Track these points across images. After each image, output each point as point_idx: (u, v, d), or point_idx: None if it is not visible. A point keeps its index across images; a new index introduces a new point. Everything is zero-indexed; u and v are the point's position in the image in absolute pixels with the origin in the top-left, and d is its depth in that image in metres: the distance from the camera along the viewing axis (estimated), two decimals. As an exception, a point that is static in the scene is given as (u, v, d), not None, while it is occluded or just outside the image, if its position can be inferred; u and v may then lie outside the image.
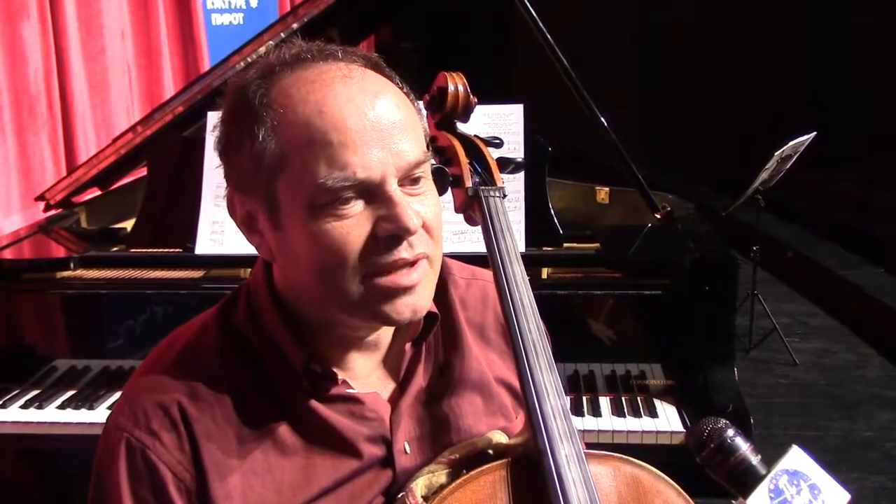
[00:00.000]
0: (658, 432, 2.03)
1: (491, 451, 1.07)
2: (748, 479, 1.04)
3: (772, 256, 5.65)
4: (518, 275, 1.11)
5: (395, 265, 0.97)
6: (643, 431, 2.04)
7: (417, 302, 1.01)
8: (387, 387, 1.12)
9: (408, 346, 1.13)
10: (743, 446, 1.05)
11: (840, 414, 4.19)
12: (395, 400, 1.10)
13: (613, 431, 2.04)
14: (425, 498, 1.01)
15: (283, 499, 1.02)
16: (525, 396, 1.03)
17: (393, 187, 0.97)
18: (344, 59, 1.01)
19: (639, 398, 2.13)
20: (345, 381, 1.06)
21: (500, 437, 1.10)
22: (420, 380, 1.13)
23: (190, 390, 1.02)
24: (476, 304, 1.22)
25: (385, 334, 1.11)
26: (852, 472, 3.57)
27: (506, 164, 1.26)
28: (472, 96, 1.25)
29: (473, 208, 1.19)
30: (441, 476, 1.04)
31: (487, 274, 1.20)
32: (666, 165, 6.40)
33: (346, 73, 0.99)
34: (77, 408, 2.18)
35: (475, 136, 1.27)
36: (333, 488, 1.03)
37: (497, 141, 1.28)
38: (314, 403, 1.04)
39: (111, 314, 2.29)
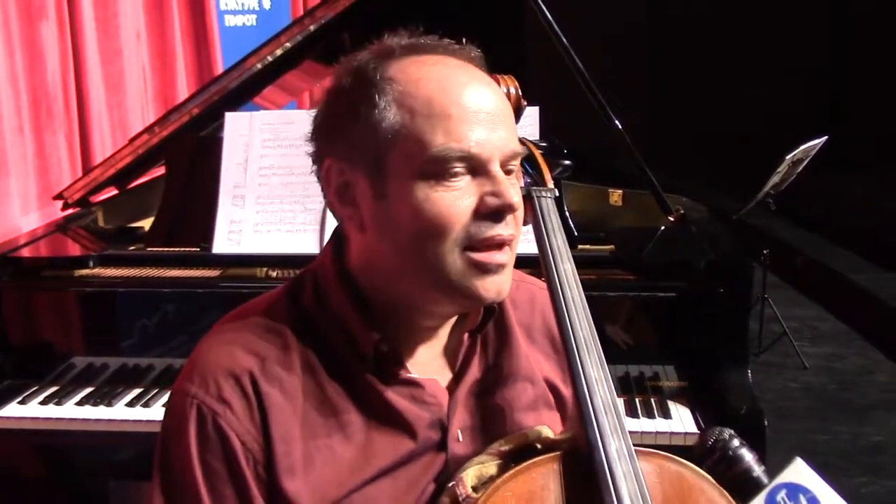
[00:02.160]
0: (672, 433, 2.04)
1: (539, 445, 1.09)
2: (750, 490, 1.05)
3: (782, 260, 5.65)
4: (569, 272, 1.15)
5: (493, 241, 1.03)
6: (657, 432, 2.04)
7: (503, 283, 1.06)
8: (444, 375, 1.15)
9: (465, 336, 1.17)
10: (747, 457, 1.07)
11: (850, 418, 4.19)
12: (450, 389, 1.14)
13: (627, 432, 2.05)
14: (475, 488, 1.03)
15: (341, 478, 1.04)
16: (576, 391, 1.05)
17: (497, 167, 1.04)
18: (459, 53, 1.09)
19: (652, 399, 2.14)
20: (407, 367, 1.10)
21: (547, 432, 1.12)
22: (475, 371, 1.16)
23: (260, 363, 1.05)
24: (524, 305, 1.26)
25: (447, 325, 1.15)
26: (861, 477, 3.57)
27: (553, 167, 1.29)
28: (522, 99, 1.28)
29: (525, 208, 1.21)
30: (491, 467, 1.06)
31: (535, 280, 1.27)
32: (676, 168, 6.40)
33: (463, 64, 1.07)
34: (95, 404, 2.19)
35: (524, 137, 1.28)
36: (391, 469, 1.06)
37: (544, 144, 1.32)
38: (378, 385, 1.07)
39: (128, 312, 2.31)
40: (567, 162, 1.33)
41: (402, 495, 1.06)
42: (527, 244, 1.24)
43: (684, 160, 7.30)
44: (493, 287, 1.05)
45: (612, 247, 2.37)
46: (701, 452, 1.08)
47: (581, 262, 2.24)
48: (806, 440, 3.94)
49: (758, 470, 1.05)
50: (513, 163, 1.07)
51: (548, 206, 1.21)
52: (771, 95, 7.56)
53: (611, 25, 8.64)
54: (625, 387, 2.18)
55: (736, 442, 1.08)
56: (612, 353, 2.16)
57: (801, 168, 4.62)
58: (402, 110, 1.02)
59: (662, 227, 2.46)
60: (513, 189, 1.06)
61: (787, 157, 4.43)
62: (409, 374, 1.09)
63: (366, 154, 1.04)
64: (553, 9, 2.51)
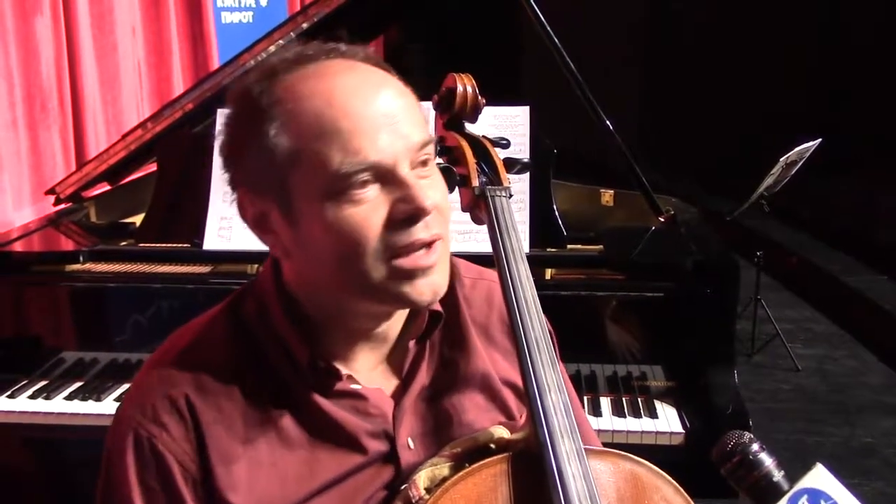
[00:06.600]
0: (658, 433, 2.05)
1: (493, 446, 1.09)
2: (770, 495, 1.03)
3: (775, 262, 5.66)
4: (522, 273, 1.12)
5: (414, 246, 1.00)
6: (643, 432, 2.06)
7: (436, 282, 1.04)
8: (390, 383, 1.14)
9: (412, 343, 1.15)
10: (766, 461, 1.04)
11: (841, 420, 4.19)
12: (397, 396, 1.12)
13: (613, 431, 2.06)
14: (428, 490, 1.03)
15: (286, 491, 1.04)
16: (527, 392, 1.05)
17: (405, 170, 1.00)
18: (345, 54, 1.05)
19: (639, 399, 2.15)
20: (349, 377, 1.08)
21: (501, 432, 1.11)
22: (423, 377, 1.15)
23: (197, 383, 1.05)
24: (481, 303, 1.24)
25: (391, 330, 1.13)
26: (853, 479, 3.57)
27: (512, 165, 1.28)
28: (480, 97, 1.27)
29: (480, 207, 1.21)
30: (444, 469, 1.06)
31: (493, 274, 1.22)
32: (670, 169, 6.42)
33: (349, 66, 1.02)
34: (84, 399, 2.21)
35: (482, 136, 1.28)
36: (337, 482, 1.06)
37: (504, 141, 1.30)
38: (318, 398, 1.06)
39: (119, 307, 2.32)
40: (525, 159, 1.32)
41: (349, 503, 1.06)
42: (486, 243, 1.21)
43: (678, 161, 7.31)
44: (427, 289, 1.02)
45: (601, 247, 2.38)
46: (719, 456, 1.06)
47: (570, 262, 2.31)
48: (797, 442, 3.95)
49: (777, 475, 1.03)
50: (424, 152, 1.02)
51: (503, 205, 1.19)
52: (765, 97, 7.57)
53: (607, 25, 8.65)
54: (612, 386, 2.19)
55: (755, 446, 1.05)
56: (600, 352, 2.20)
57: (795, 170, 4.64)
58: (291, 133, 0.98)
59: (652, 228, 2.47)
60: (428, 184, 1.02)
61: (782, 160, 4.45)
62: (350, 386, 1.08)
63: (269, 183, 1.01)
64: (548, 8, 2.51)
